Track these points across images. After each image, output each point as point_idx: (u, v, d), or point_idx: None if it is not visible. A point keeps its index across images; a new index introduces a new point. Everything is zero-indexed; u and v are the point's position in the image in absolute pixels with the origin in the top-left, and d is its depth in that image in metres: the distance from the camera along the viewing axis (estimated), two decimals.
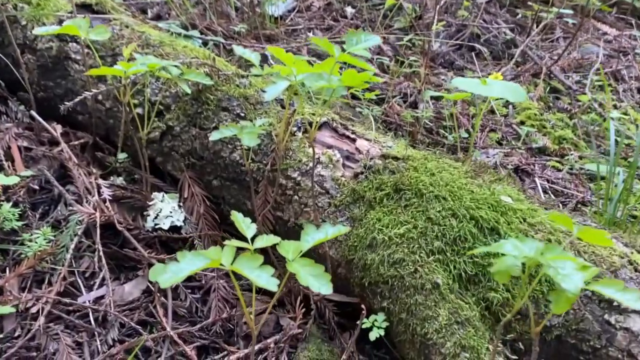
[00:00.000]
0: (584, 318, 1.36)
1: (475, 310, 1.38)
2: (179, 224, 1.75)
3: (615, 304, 1.35)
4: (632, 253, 1.44)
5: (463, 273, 1.41)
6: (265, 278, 0.91)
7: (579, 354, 1.36)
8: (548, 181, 2.37)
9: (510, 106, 2.82)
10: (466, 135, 2.55)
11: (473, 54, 3.31)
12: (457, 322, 1.34)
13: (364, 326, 1.42)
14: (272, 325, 1.67)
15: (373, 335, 1.39)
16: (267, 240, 1.05)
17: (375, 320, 1.42)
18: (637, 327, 1.32)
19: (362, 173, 1.62)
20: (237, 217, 1.10)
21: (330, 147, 1.70)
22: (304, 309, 1.65)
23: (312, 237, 1.04)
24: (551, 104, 3.02)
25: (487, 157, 2.42)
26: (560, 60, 3.35)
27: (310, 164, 1.66)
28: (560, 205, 2.15)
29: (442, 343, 1.32)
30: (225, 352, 1.55)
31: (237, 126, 1.47)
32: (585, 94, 3.03)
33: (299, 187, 1.65)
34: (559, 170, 2.45)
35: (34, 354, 1.47)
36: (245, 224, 1.08)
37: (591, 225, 1.55)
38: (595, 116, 2.92)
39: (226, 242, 1.00)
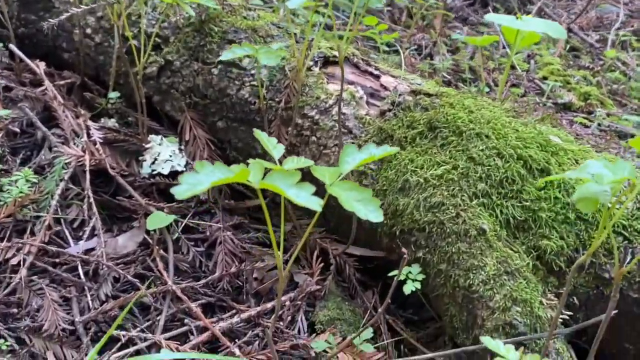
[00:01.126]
0: None
1: (526, 259, 1.20)
2: (179, 168, 1.55)
3: None
4: None
5: (511, 219, 1.23)
6: (304, 196, 0.72)
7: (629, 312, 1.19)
8: (577, 137, 2.19)
9: (532, 61, 2.63)
10: (487, 89, 2.36)
11: (489, 8, 3.10)
12: (506, 273, 1.16)
13: (395, 279, 1.23)
14: (287, 282, 1.48)
15: (408, 289, 1.21)
16: (298, 162, 0.85)
17: (410, 272, 1.24)
18: None
19: (389, 110, 1.43)
20: (261, 136, 0.90)
21: (351, 83, 1.51)
22: (321, 265, 1.47)
23: (353, 157, 0.85)
24: (571, 62, 2.83)
25: None
26: (578, 19, 3.16)
27: (330, 102, 1.46)
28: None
29: (490, 296, 1.14)
30: (234, 311, 1.36)
31: (253, 46, 1.26)
32: (607, 51, 2.85)
33: (317, 127, 1.45)
34: (587, 127, 2.27)
35: (15, 310, 1.28)
36: (271, 144, 0.89)
37: None
38: (619, 75, 2.74)
39: (250, 160, 0.80)
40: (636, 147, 0.89)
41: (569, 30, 3.04)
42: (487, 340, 0.80)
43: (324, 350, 1.26)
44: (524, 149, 1.29)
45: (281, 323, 1.35)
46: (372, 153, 0.85)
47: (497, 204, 1.24)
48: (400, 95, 1.44)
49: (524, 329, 1.12)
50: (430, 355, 1.20)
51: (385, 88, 1.50)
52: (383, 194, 1.34)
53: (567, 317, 1.15)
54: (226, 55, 1.26)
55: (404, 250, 1.04)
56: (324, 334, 1.32)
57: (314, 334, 1.34)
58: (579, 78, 2.57)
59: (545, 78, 2.55)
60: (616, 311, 1.07)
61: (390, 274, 1.26)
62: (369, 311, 1.43)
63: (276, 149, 0.88)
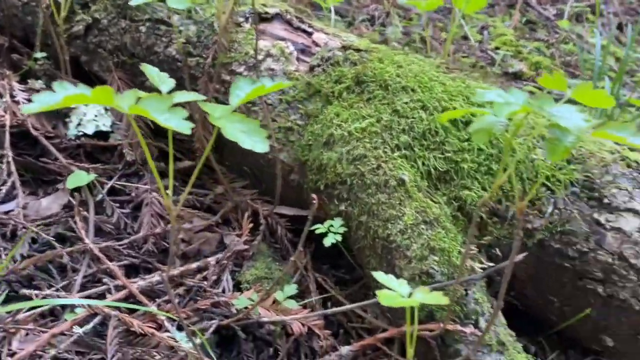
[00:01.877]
0: (571, 218, 1.18)
1: (446, 209, 1.18)
2: (105, 129, 1.50)
3: (606, 201, 1.17)
4: (623, 149, 1.26)
5: (433, 170, 1.21)
6: (175, 121, 0.68)
7: (563, 260, 1.19)
8: None
9: (485, 32, 2.62)
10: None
11: None
12: (424, 222, 1.14)
13: (318, 232, 1.21)
14: (215, 244, 1.45)
15: (328, 241, 1.18)
16: (187, 95, 0.82)
17: (331, 225, 1.22)
18: (630, 226, 1.15)
19: (318, 66, 1.39)
20: (147, 69, 0.86)
21: (283, 39, 1.47)
22: (251, 225, 1.44)
23: (243, 90, 0.82)
24: (527, 35, 2.83)
25: None
26: None
27: (259, 57, 1.43)
28: None
29: (408, 245, 1.12)
30: (159, 272, 1.33)
31: None
32: (561, 21, 2.85)
33: None
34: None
35: None
36: (159, 77, 0.85)
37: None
38: (572, 47, 2.74)
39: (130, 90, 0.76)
40: (544, 84, 0.87)
41: (527, 4, 3.04)
42: (378, 275, 0.78)
43: (246, 307, 1.23)
44: (449, 102, 1.27)
45: (205, 282, 1.32)
46: (265, 84, 0.82)
47: (419, 156, 1.22)
48: (330, 50, 1.41)
49: (441, 278, 1.10)
50: (349, 306, 1.18)
51: (317, 44, 1.46)
52: (308, 148, 1.31)
53: (487, 267, 1.14)
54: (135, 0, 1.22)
55: (313, 200, 1.01)
56: (249, 292, 1.30)
57: (240, 292, 1.31)
58: (531, 48, 2.56)
59: (497, 48, 2.54)
60: (525, 254, 1.06)
61: (314, 228, 1.23)
62: (299, 271, 1.40)
63: (165, 83, 0.84)
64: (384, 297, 0.71)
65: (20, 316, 1.14)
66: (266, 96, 1.38)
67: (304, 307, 1.30)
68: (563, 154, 0.69)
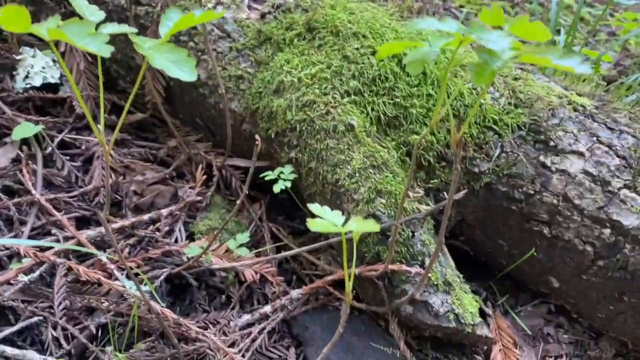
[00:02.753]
0: (517, 161, 1.19)
1: (395, 154, 1.18)
2: (53, 81, 1.46)
3: (552, 144, 1.19)
4: (571, 94, 1.27)
5: (382, 115, 1.21)
6: (95, 45, 0.66)
7: (510, 203, 1.21)
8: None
9: None
10: None
11: None
12: (372, 167, 1.14)
13: (267, 178, 1.20)
14: (169, 197, 1.43)
15: (277, 188, 1.18)
16: (119, 28, 0.79)
17: (282, 172, 1.21)
18: (574, 168, 1.17)
19: (269, 13, 1.37)
20: (76, 1, 0.83)
21: None
22: (205, 177, 1.42)
23: (171, 20, 0.80)
24: None
25: None
26: None
27: (210, 5, 1.40)
28: None
29: (355, 189, 1.13)
30: (110, 224, 1.31)
31: None
32: None
33: (195, 31, 1.39)
34: None
35: None
36: (88, 9, 0.82)
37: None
38: (537, 6, 2.74)
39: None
40: (484, 19, 0.87)
41: None
42: (313, 207, 0.78)
43: (198, 256, 1.23)
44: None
45: (157, 233, 1.31)
46: (193, 13, 0.79)
47: (368, 102, 1.22)
48: None
49: (387, 219, 1.11)
50: (299, 250, 1.18)
51: None
52: (259, 96, 1.30)
53: (432, 208, 1.15)
54: None
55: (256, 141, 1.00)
56: (201, 240, 1.29)
57: (192, 242, 1.31)
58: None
59: (462, 7, 2.53)
60: (466, 191, 1.08)
61: (263, 175, 1.23)
62: (254, 222, 1.40)
63: (95, 14, 0.81)
64: (314, 224, 0.71)
65: None
66: (215, 44, 1.36)
67: (258, 255, 1.30)
68: (489, 77, 0.69)
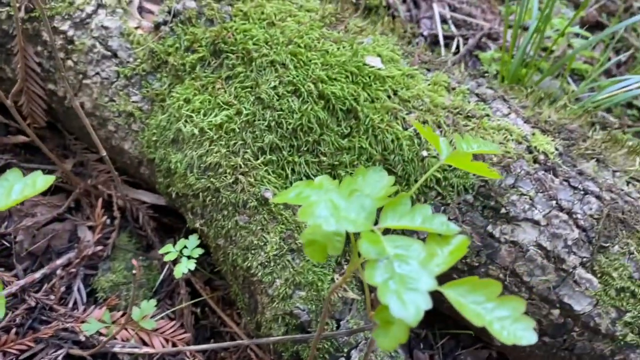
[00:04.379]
0: (462, 232, 1.02)
1: None
2: None
3: (503, 211, 1.01)
4: (533, 134, 1.06)
5: (305, 178, 1.00)
6: None
7: (452, 272, 1.06)
8: (450, 7, 1.88)
9: None
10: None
11: None
12: (291, 251, 0.96)
13: (167, 259, 1.01)
14: (67, 237, 1.24)
15: (178, 272, 0.99)
16: None
17: (185, 246, 1.02)
18: (527, 239, 1.00)
19: (165, 23, 1.07)
20: None
21: None
22: (105, 217, 1.22)
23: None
24: None
25: None
26: None
27: (88, 9, 1.08)
28: (451, 54, 1.70)
29: (270, 281, 0.95)
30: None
31: None
32: None
33: (74, 48, 1.09)
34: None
35: None
36: None
37: (487, 88, 1.13)
38: None
39: None
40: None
41: None
42: None
43: (98, 332, 1.08)
44: (328, 83, 1.01)
45: (52, 297, 1.13)
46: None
47: (288, 161, 0.99)
48: (180, 1, 1.07)
49: (307, 317, 0.96)
50: (220, 344, 1.04)
51: None
52: (154, 145, 1.05)
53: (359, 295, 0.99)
54: None
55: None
56: (103, 308, 1.13)
57: (94, 306, 1.14)
58: None
59: None
60: None
61: (164, 252, 1.03)
62: (167, 265, 1.23)
63: None
64: None
65: None
66: (99, 66, 1.07)
67: (172, 317, 1.16)
68: (402, 335, 0.51)
